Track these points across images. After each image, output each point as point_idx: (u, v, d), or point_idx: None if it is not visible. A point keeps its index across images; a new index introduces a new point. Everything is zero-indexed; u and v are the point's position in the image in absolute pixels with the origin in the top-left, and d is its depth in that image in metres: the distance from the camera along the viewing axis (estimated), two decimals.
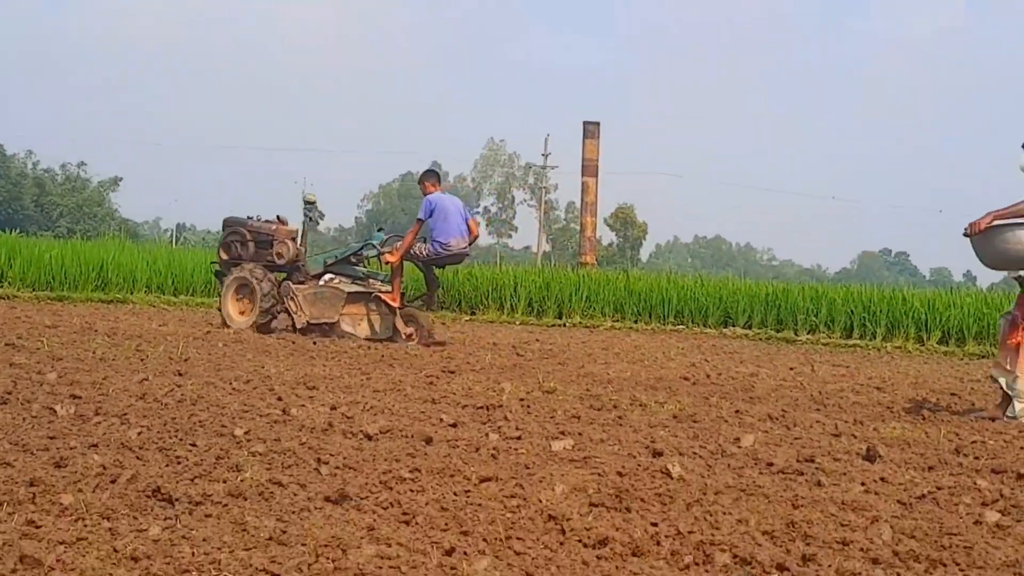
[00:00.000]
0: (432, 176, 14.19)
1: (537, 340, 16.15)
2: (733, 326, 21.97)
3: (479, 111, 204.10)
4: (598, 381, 9.74)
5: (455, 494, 4.65)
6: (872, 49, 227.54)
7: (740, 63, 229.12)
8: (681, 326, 21.97)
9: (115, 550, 3.54)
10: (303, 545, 3.69)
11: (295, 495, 4.50)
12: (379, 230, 15.07)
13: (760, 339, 20.49)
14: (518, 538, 3.94)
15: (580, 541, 3.96)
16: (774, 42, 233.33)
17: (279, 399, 7.24)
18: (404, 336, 13.74)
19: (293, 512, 4.21)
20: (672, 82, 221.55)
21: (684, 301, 22.58)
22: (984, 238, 8.21)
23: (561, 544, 3.93)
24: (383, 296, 13.86)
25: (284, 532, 3.85)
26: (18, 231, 32.10)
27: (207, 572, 3.37)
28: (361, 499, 4.47)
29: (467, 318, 22.35)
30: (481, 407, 7.39)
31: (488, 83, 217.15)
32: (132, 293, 22.47)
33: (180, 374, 8.39)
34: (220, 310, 14.63)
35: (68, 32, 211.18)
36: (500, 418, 6.92)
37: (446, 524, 4.13)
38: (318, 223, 15.32)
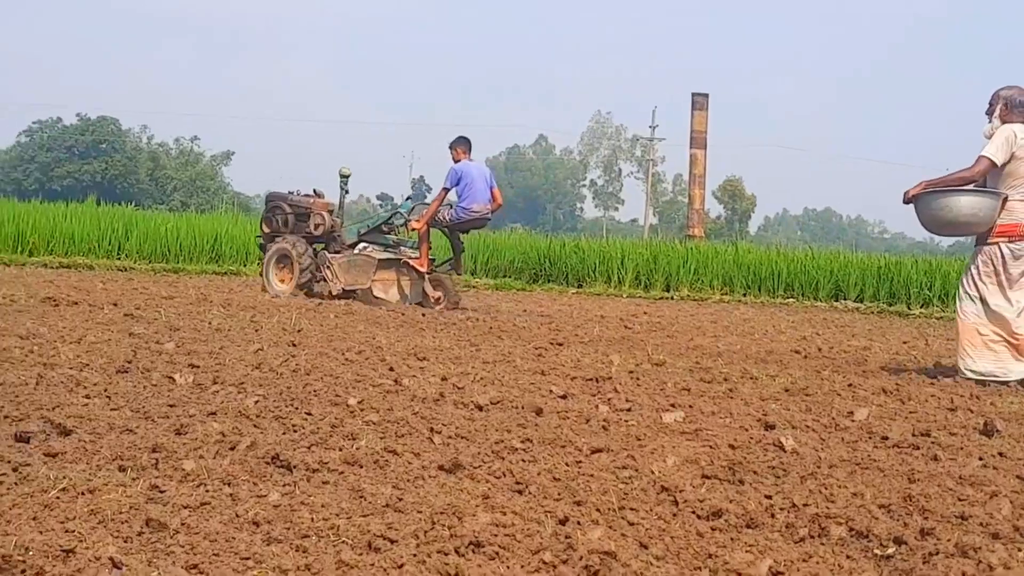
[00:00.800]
0: (463, 143, 14.83)
1: (645, 313, 16.13)
2: (844, 299, 21.76)
3: (586, 83, 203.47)
4: (707, 354, 9.70)
5: (567, 464, 4.67)
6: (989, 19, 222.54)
7: (851, 34, 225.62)
8: (791, 299, 21.82)
9: (237, 515, 3.61)
10: (419, 512, 3.74)
11: (409, 463, 4.55)
12: (407, 199, 16.06)
13: (872, 313, 20.26)
14: (631, 508, 3.95)
15: (694, 512, 3.96)
16: (885, 12, 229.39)
17: (391, 369, 7.31)
18: (432, 300, 14.53)
19: (408, 480, 4.27)
20: (782, 52, 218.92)
21: (794, 274, 22.40)
22: (917, 204, 8.67)
23: (674, 515, 3.93)
24: (411, 262, 14.67)
25: (400, 499, 3.90)
26: (134, 204, 32.71)
27: (326, 537, 3.43)
28: (474, 468, 4.51)
29: (574, 291, 22.40)
30: (590, 379, 7.40)
31: (595, 54, 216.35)
32: (245, 265, 22.78)
33: (294, 344, 8.50)
34: (262, 279, 15.41)
35: (180, 8, 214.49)
36: (610, 390, 6.92)
37: (559, 494, 4.15)
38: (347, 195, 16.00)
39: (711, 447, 5.11)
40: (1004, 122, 8.46)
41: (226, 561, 3.15)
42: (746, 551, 3.50)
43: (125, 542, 3.27)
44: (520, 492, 4.18)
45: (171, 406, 5.54)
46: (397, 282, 14.98)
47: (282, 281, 15.03)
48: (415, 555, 3.29)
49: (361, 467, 4.43)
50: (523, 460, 4.72)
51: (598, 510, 3.92)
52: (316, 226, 15.03)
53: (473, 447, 4.93)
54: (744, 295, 22.18)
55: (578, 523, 3.74)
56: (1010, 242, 8.32)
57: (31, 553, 3.03)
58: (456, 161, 14.69)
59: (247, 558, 3.18)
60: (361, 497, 3.94)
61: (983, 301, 8.40)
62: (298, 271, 14.70)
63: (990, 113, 8.65)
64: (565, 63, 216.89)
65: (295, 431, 5.08)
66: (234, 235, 23.64)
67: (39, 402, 5.37)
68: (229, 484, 4.04)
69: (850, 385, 7.68)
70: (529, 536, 3.51)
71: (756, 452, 5.05)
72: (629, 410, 6.16)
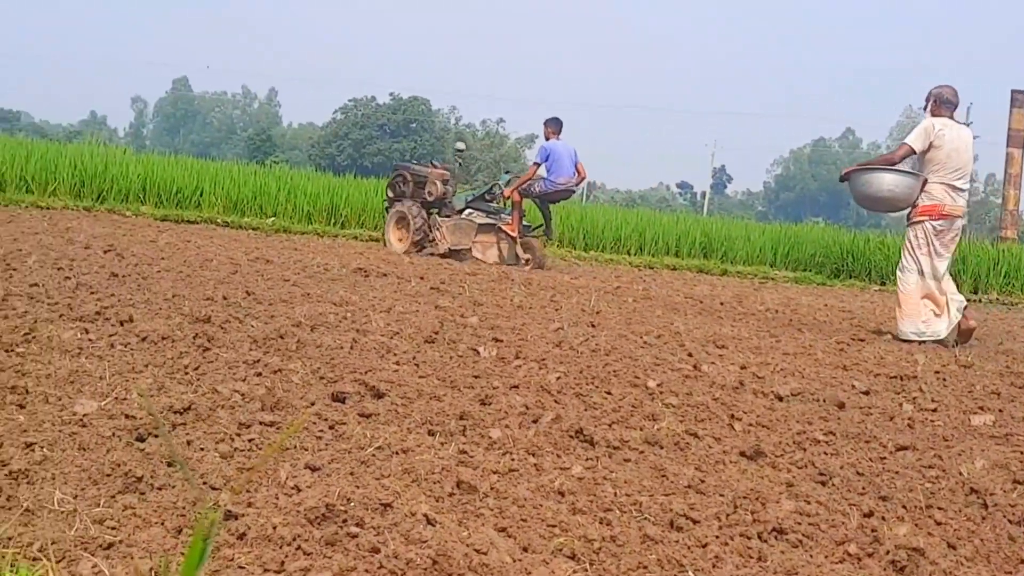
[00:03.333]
0: (555, 123, 16.82)
1: None
2: None
3: (897, 77, 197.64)
4: (1018, 358, 9.30)
5: (870, 460, 4.60)
6: None
7: None
8: None
9: (542, 484, 3.70)
10: (721, 495, 3.75)
11: (710, 447, 4.56)
12: (506, 172, 18.02)
13: None
14: (939, 508, 3.86)
15: (1005, 517, 3.83)
16: None
17: (689, 355, 7.31)
18: (523, 261, 16.38)
19: (709, 463, 4.28)
20: None
21: None
22: (852, 180, 10.13)
23: (984, 518, 3.82)
24: (504, 227, 16.57)
25: (702, 481, 3.92)
26: None
27: (628, 512, 3.48)
28: (776, 457, 4.49)
29: (876, 287, 21.81)
30: (894, 376, 7.23)
31: (908, 47, 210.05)
32: (545, 246, 23.06)
33: (593, 325, 8.58)
34: (384, 236, 17.53)
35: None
36: (915, 389, 6.75)
37: (863, 488, 4.09)
38: (462, 166, 18.44)
39: (1023, 453, 4.93)
40: (933, 115, 9.98)
41: (533, 527, 3.23)
42: None
43: (437, 501, 3.40)
44: (823, 483, 4.14)
45: (476, 377, 5.69)
46: (496, 244, 16.79)
47: (400, 240, 16.88)
48: (718, 536, 3.31)
49: (662, 448, 4.47)
50: (825, 452, 4.67)
51: (904, 507, 3.85)
52: (430, 193, 16.67)
53: (774, 436, 4.90)
54: None
55: (883, 518, 3.68)
56: (931, 220, 9.87)
57: (352, 504, 3.18)
58: (547, 139, 16.79)
59: (553, 526, 3.25)
60: (663, 476, 3.97)
61: (920, 272, 10.03)
62: (412, 231, 16.48)
63: (925, 108, 10.23)
64: (876, 55, 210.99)
65: (595, 408, 5.15)
66: (536, 217, 23.95)
67: (353, 365, 5.61)
68: (534, 454, 4.14)
69: None
70: (833, 527, 3.48)
71: None
72: (935, 410, 5.99)
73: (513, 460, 4.01)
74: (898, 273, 10.32)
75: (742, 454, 4.46)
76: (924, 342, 9.63)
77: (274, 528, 2.94)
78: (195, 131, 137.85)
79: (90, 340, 5.63)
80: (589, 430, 4.53)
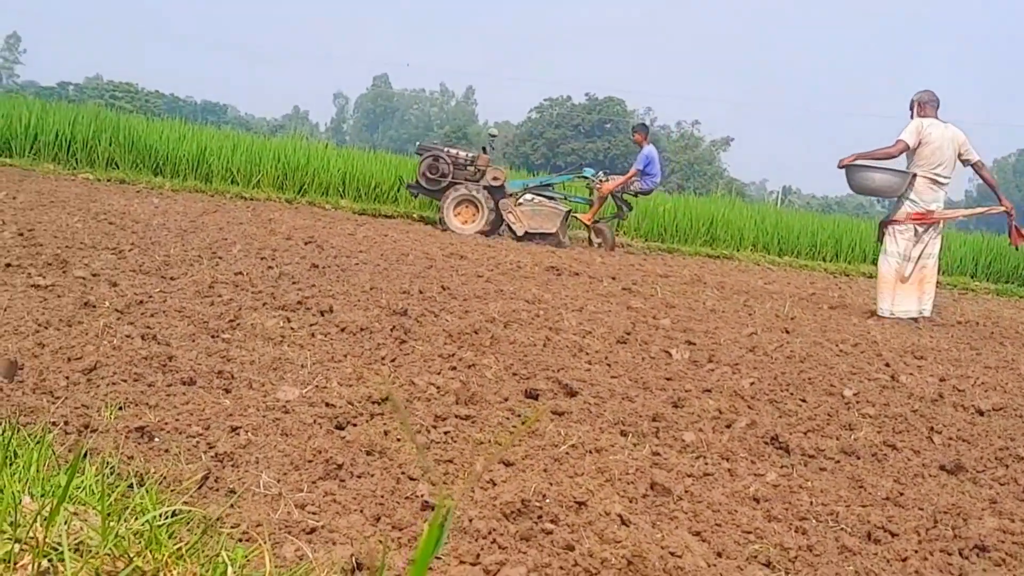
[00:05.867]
0: (643, 129, 18.54)
1: None
2: None
3: None
4: None
5: None
6: None
7: None
8: None
9: (735, 490, 3.66)
10: (920, 509, 3.66)
11: (908, 460, 4.46)
12: (587, 166, 18.97)
13: None
14: None
15: None
16: None
17: (887, 365, 7.16)
18: (595, 244, 17.91)
19: (907, 476, 4.19)
20: None
21: None
22: (848, 171, 11.20)
23: None
24: (578, 216, 18.23)
25: (901, 494, 3.83)
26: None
27: (824, 522, 3.43)
28: (977, 472, 4.37)
29: None
30: None
31: None
32: (738, 250, 22.83)
33: (787, 331, 8.47)
34: (441, 219, 17.86)
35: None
36: None
37: None
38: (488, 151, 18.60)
39: None
40: (920, 116, 11.02)
41: (728, 532, 3.21)
42: None
43: (631, 502, 3.40)
44: None
45: (668, 379, 5.66)
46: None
47: (464, 222, 17.54)
48: (917, 551, 3.23)
49: (858, 458, 4.39)
50: None
51: None
52: (495, 178, 17.58)
53: (975, 451, 4.77)
54: None
55: None
56: (920, 225, 10.94)
57: (547, 501, 3.20)
58: (640, 144, 18.15)
59: (748, 532, 3.22)
60: (860, 487, 3.90)
61: (901, 257, 11.00)
62: (486, 214, 17.32)
63: (912, 113, 11.18)
64: None
65: (790, 416, 5.09)
66: (730, 220, 23.71)
67: (546, 363, 5.63)
68: (727, 459, 4.10)
69: None
70: None
71: None
72: None
73: (707, 464, 3.99)
74: (880, 257, 11.30)
75: (942, 468, 4.35)
76: (896, 317, 10.98)
77: (470, 521, 2.98)
78: (393, 127, 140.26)
79: (292, 329, 5.78)
80: (784, 437, 4.48)
